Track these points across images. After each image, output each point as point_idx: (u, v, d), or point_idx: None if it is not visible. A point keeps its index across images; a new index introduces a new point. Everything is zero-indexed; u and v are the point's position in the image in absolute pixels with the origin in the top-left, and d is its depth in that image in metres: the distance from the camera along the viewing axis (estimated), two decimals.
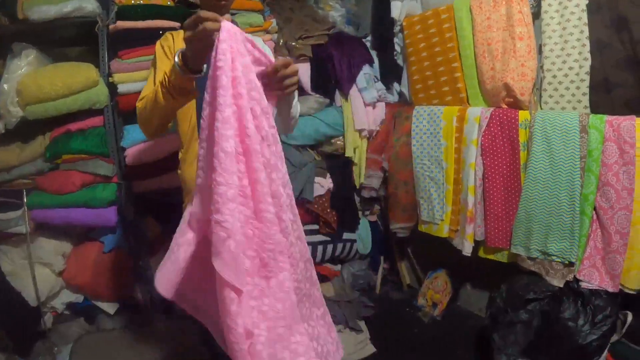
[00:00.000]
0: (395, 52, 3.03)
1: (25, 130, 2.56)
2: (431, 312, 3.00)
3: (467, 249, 2.60)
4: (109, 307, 2.79)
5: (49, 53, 2.69)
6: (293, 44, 2.88)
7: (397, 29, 2.99)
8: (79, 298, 2.77)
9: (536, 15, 2.29)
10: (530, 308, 2.26)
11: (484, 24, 2.43)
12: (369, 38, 3.20)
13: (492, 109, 2.45)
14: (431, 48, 2.73)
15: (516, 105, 2.40)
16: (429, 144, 2.78)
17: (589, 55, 2.13)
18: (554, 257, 2.26)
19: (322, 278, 3.05)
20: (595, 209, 2.13)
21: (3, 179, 2.54)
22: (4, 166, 2.53)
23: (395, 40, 3.02)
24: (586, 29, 2.12)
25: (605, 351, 2.05)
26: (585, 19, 2.12)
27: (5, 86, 2.43)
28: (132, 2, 2.58)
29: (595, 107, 2.16)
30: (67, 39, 2.78)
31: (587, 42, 2.13)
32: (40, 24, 2.39)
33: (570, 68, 2.19)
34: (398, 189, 3.01)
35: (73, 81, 2.47)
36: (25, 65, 2.47)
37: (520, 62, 2.30)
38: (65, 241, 2.74)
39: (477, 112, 2.50)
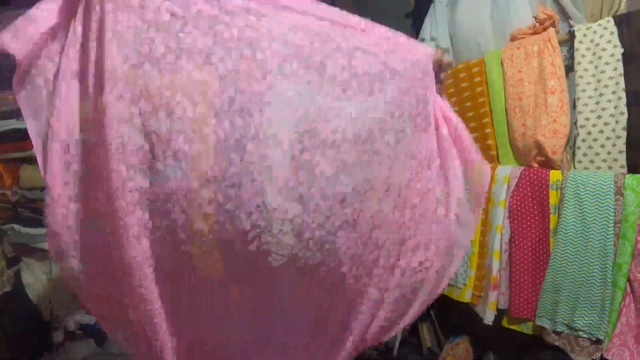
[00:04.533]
0: None
1: None
2: None
3: (489, 318, 2.27)
4: None
5: None
6: None
7: None
8: (92, 320, 2.69)
9: (570, 67, 2.07)
10: None
11: (515, 78, 2.22)
12: None
13: (522, 168, 2.20)
14: (462, 102, 2.54)
15: (548, 164, 2.13)
16: None
17: (625, 109, 1.86)
18: (580, 333, 1.92)
19: None
20: (629, 280, 1.81)
21: (36, 196, 2.55)
22: (38, 185, 2.53)
23: None
24: (622, 81, 1.87)
25: None
26: (621, 70, 1.87)
27: None
28: None
29: (633, 167, 1.88)
30: None
31: (623, 95, 1.87)
32: None
33: (606, 124, 1.92)
34: None
35: None
36: None
37: (552, 117, 2.06)
38: None
39: (507, 171, 2.25)
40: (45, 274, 2.58)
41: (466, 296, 2.42)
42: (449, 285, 2.53)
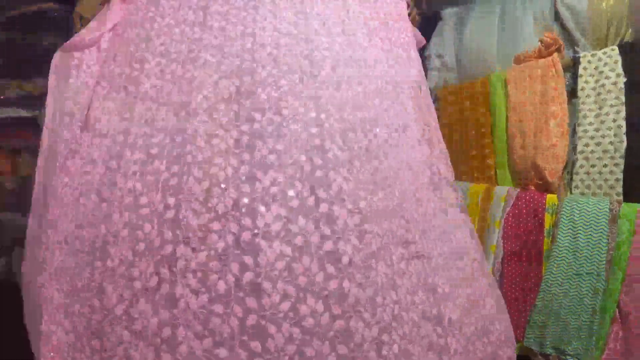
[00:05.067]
0: None
1: None
2: None
3: None
4: None
5: None
6: None
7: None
8: None
9: (573, 93, 2.08)
10: None
11: (518, 100, 2.24)
12: None
13: (519, 189, 2.21)
14: (463, 121, 2.56)
15: (545, 187, 2.15)
16: None
17: (624, 138, 1.88)
18: (568, 357, 1.93)
19: None
20: (618, 307, 1.81)
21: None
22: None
23: None
24: (623, 109, 1.89)
25: None
26: (622, 98, 1.89)
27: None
28: None
29: (629, 195, 1.89)
30: None
31: (624, 123, 1.89)
32: None
33: (605, 151, 1.94)
34: None
35: None
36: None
37: (552, 142, 2.07)
38: None
39: (504, 192, 2.26)
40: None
41: None
42: None
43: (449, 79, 2.76)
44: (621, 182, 1.91)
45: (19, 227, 2.50)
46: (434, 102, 2.79)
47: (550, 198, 2.07)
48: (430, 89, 2.81)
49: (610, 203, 1.86)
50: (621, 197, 1.90)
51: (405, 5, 1.49)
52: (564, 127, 2.06)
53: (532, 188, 2.20)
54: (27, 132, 2.38)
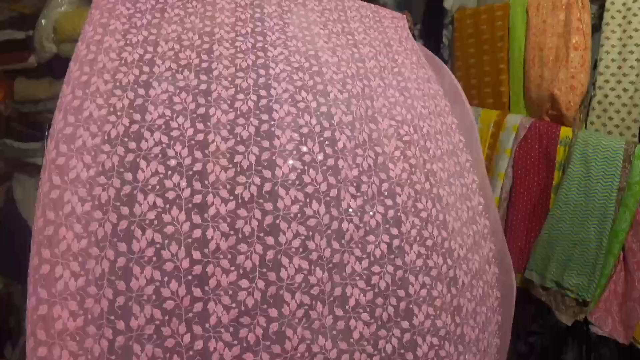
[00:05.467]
0: (442, 45, 2.77)
1: (58, 66, 2.46)
2: None
3: None
4: None
5: None
6: None
7: (447, 20, 2.71)
8: None
9: (597, 26, 1.99)
10: (531, 341, 2.01)
11: (539, 28, 2.13)
12: (418, 26, 2.95)
13: (532, 119, 2.17)
14: (480, 45, 2.45)
15: (559, 119, 2.10)
16: None
17: None
18: (568, 292, 1.97)
19: None
20: (623, 249, 1.84)
21: (29, 110, 2.48)
22: (32, 98, 2.44)
23: (444, 32, 2.75)
24: None
25: None
26: None
27: (43, 21, 2.30)
28: None
29: None
30: None
31: None
32: None
33: (625, 90, 1.88)
34: None
35: None
36: (65, 3, 2.38)
37: (571, 73, 2.00)
38: None
39: (517, 120, 2.21)
40: (37, 189, 2.56)
41: None
42: None
43: (467, 1, 2.61)
44: (638, 124, 1.87)
45: (17, 151, 2.47)
46: (450, 24, 2.69)
47: (565, 130, 2.03)
48: (447, 10, 2.68)
49: (626, 143, 1.82)
50: (637, 139, 1.88)
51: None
52: (585, 59, 1.98)
53: (547, 119, 2.17)
54: (21, 54, 2.28)
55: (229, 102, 1.05)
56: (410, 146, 1.22)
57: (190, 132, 0.99)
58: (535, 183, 2.15)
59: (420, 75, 1.41)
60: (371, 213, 1.06)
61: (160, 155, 0.96)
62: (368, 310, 1.02)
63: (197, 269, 0.91)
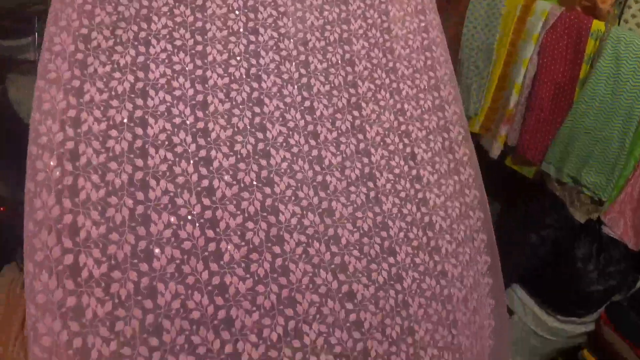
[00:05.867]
0: None
1: None
2: None
3: (495, 151, 2.33)
4: None
5: None
6: None
7: None
8: None
9: None
10: (543, 233, 2.10)
11: None
12: None
13: (563, 8, 2.01)
14: None
15: (592, 12, 1.97)
16: (483, 29, 2.33)
17: None
18: (584, 189, 2.00)
19: None
20: None
21: (17, 2, 2.27)
22: None
23: None
24: None
25: (603, 307, 1.93)
26: None
27: None
28: None
29: None
30: None
31: None
32: None
33: None
34: None
35: None
36: None
37: None
38: None
39: (547, 6, 2.06)
40: (32, 87, 2.45)
41: (475, 126, 2.44)
42: None
43: None
44: None
45: (7, 50, 2.32)
46: None
47: (597, 24, 1.91)
48: None
49: None
50: None
51: None
52: None
53: (579, 9, 2.01)
54: None
55: (223, 66, 1.17)
56: (385, 111, 1.39)
57: (190, 92, 1.11)
58: (560, 74, 2.07)
59: (414, 27, 1.48)
60: (350, 168, 1.25)
61: (165, 114, 1.07)
62: (357, 247, 1.22)
63: (208, 214, 1.05)
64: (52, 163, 0.97)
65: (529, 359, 2.23)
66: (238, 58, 1.18)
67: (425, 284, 1.37)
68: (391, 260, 1.29)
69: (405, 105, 1.42)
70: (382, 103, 1.37)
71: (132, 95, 1.06)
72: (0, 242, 2.32)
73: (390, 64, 1.43)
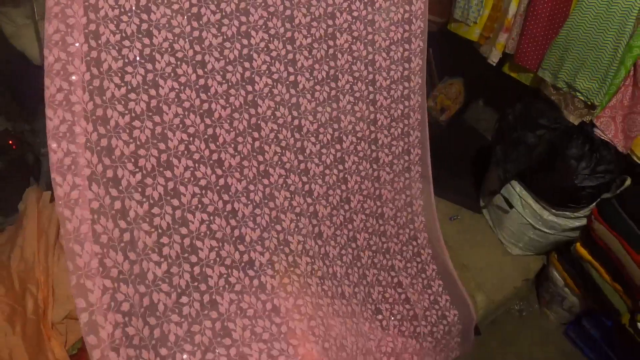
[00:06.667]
0: None
1: None
2: (437, 115, 2.99)
3: (494, 58, 2.49)
4: None
5: None
6: None
7: None
8: None
9: None
10: (539, 133, 2.27)
11: None
12: None
13: None
14: None
15: None
16: None
17: None
18: (578, 94, 2.19)
19: None
20: (635, 64, 1.99)
21: None
22: None
23: None
24: None
25: (594, 204, 2.15)
26: None
27: None
28: None
29: None
30: None
31: None
32: None
33: None
34: None
35: None
36: None
37: None
38: None
39: None
40: (27, 17, 2.34)
41: (474, 34, 2.55)
42: (457, 21, 2.62)
43: None
44: None
45: None
46: None
47: None
48: None
49: None
50: None
51: None
52: None
53: None
54: None
55: (219, 49, 1.47)
56: (358, 82, 1.83)
57: (190, 53, 1.40)
58: None
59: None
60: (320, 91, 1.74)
61: (172, 74, 1.38)
62: (314, 135, 1.74)
63: (205, 106, 1.45)
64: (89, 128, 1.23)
65: (527, 251, 2.52)
66: (232, 40, 1.52)
67: (362, 166, 1.94)
68: (337, 146, 1.83)
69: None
70: (355, 34, 1.77)
71: (143, 61, 1.33)
72: (15, 171, 2.39)
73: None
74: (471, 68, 2.71)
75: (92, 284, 1.18)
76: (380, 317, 1.96)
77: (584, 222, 2.23)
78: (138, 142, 1.30)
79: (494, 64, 2.49)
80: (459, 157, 2.89)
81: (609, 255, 2.10)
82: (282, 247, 1.66)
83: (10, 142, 2.47)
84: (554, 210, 2.27)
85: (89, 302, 1.18)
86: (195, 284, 1.40)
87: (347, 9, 1.70)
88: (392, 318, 1.98)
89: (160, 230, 1.35)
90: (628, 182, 2.12)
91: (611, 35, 2.00)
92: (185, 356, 1.34)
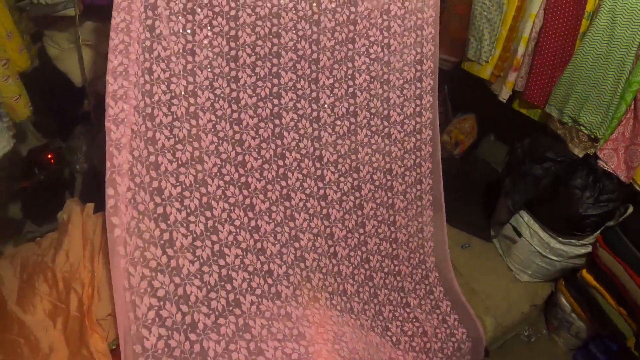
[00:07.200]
0: None
1: None
2: (452, 149, 3.15)
3: (504, 95, 2.65)
4: None
5: None
6: None
7: None
8: None
9: None
10: (545, 166, 2.44)
11: None
12: None
13: None
14: None
15: None
16: None
17: None
18: (582, 128, 2.34)
19: None
20: (635, 99, 2.13)
21: None
22: None
23: None
24: None
25: (598, 232, 2.27)
26: None
27: None
28: None
29: None
30: None
31: None
32: None
33: None
34: (451, 21, 2.89)
35: None
36: None
37: None
38: None
39: None
40: (70, 42, 2.54)
41: (486, 73, 2.73)
42: (470, 61, 2.81)
43: None
44: None
45: (45, 8, 2.43)
46: None
47: None
48: None
49: None
50: None
51: None
52: None
53: None
54: None
55: (251, 46, 1.74)
56: (374, 117, 2.06)
57: (227, 90, 1.73)
58: (563, 28, 2.34)
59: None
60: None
61: (210, 87, 1.70)
62: (334, 165, 2.00)
63: (235, 115, 1.76)
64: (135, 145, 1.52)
65: (535, 278, 2.62)
66: (264, 39, 1.80)
67: (377, 194, 2.12)
68: (355, 175, 2.05)
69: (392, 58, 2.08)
70: (372, 74, 2.04)
71: (185, 74, 1.64)
72: (52, 185, 2.58)
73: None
74: (483, 104, 2.89)
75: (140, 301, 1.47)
76: (389, 333, 2.08)
77: (589, 249, 2.36)
78: (183, 186, 1.60)
79: (505, 101, 2.67)
80: (471, 189, 3.04)
81: (613, 280, 2.21)
82: (297, 262, 1.88)
83: (50, 156, 2.64)
84: (560, 238, 2.40)
85: (136, 316, 1.45)
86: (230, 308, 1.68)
87: (365, 52, 1.97)
88: (403, 334, 2.10)
89: (201, 261, 1.61)
90: (630, 210, 2.25)
91: (612, 72, 2.16)
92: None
